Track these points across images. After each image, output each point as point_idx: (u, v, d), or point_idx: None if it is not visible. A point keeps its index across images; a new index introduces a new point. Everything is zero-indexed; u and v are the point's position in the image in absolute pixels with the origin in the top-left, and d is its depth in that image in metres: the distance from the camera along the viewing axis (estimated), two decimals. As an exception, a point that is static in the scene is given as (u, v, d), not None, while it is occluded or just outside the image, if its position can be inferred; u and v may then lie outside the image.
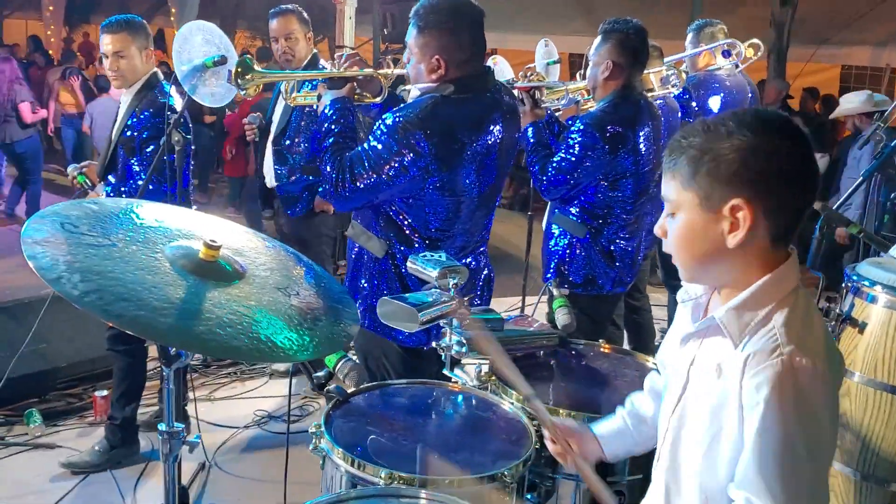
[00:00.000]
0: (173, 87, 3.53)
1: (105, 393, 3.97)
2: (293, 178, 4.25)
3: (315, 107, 2.86)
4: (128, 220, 1.79)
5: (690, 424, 1.48)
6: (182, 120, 3.12)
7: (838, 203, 2.64)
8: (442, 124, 2.44)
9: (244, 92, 2.72)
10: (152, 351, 4.03)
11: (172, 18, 11.58)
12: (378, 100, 2.80)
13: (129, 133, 3.47)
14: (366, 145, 2.48)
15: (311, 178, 4.22)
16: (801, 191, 1.38)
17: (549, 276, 3.37)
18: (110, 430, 3.67)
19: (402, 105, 2.59)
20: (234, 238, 1.90)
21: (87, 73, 11.10)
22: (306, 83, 3.79)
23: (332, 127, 2.59)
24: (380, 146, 2.43)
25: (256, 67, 2.70)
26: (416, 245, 2.52)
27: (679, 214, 1.43)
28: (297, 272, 1.87)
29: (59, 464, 3.60)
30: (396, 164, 2.41)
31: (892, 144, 2.61)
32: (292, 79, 3.45)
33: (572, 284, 3.33)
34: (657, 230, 1.48)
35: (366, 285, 2.61)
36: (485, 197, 2.62)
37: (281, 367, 4.73)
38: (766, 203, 1.35)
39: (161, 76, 3.60)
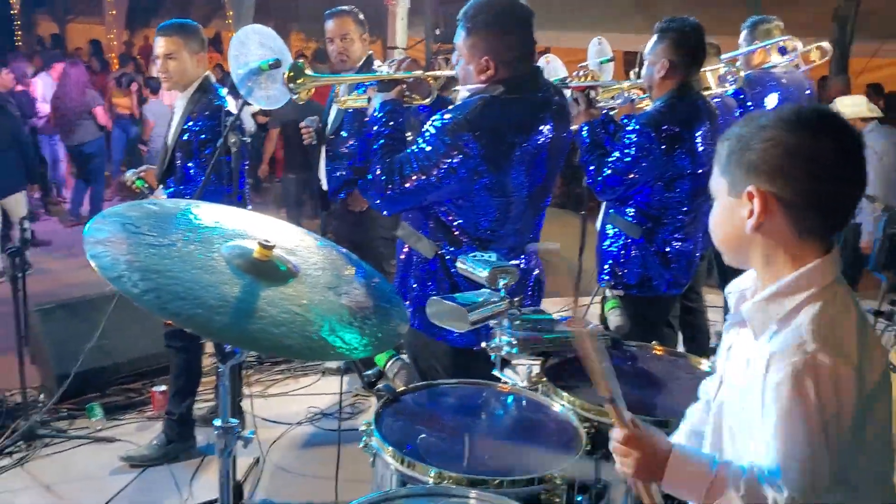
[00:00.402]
0: (226, 90, 3.60)
1: (163, 388, 4.07)
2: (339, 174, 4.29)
3: (366, 109, 2.89)
4: (186, 221, 1.84)
5: (726, 412, 1.53)
6: (238, 122, 3.18)
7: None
8: (490, 125, 2.44)
9: (296, 96, 2.77)
10: (209, 347, 4.13)
11: (229, 21, 11.79)
12: (427, 102, 2.82)
13: (185, 136, 3.54)
14: (414, 147, 2.49)
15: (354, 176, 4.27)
16: (836, 188, 1.39)
17: (603, 276, 3.35)
18: (168, 425, 3.76)
19: (450, 107, 2.61)
20: (288, 238, 1.94)
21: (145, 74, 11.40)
22: (358, 86, 3.83)
23: (382, 129, 2.61)
24: (428, 147, 2.45)
25: (308, 71, 2.74)
26: (465, 246, 2.52)
27: (717, 200, 1.52)
28: (347, 272, 1.90)
29: (119, 457, 3.71)
30: (445, 166, 2.42)
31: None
32: (343, 82, 3.48)
33: (626, 286, 3.29)
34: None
35: (415, 286, 2.62)
36: (534, 197, 2.61)
37: (333, 364, 4.79)
38: (787, 195, 1.39)
39: (213, 79, 3.67)
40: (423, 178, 2.44)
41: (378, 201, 2.55)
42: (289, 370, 4.74)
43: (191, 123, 3.53)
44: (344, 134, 4.24)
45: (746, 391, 1.43)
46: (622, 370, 2.36)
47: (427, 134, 2.47)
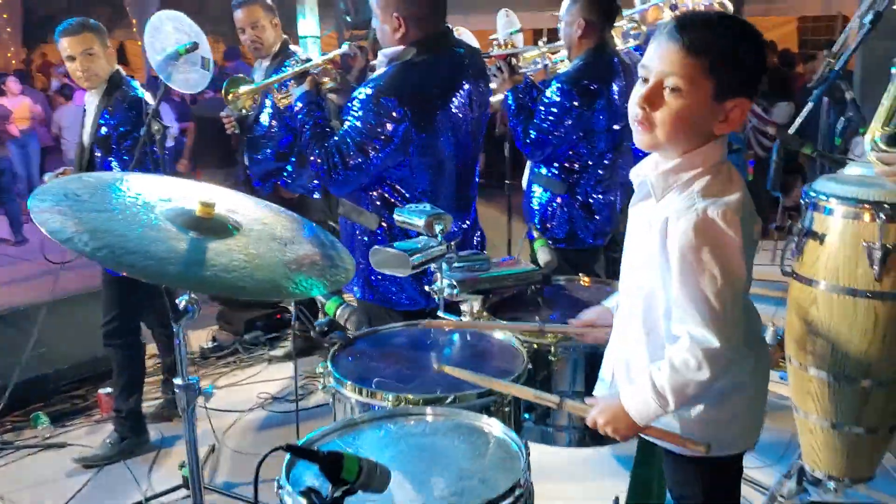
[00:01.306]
0: (138, 83, 3.63)
1: (109, 390, 4.05)
2: (262, 158, 4.35)
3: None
4: (122, 190, 1.89)
5: (633, 275, 1.74)
6: (158, 110, 3.22)
7: (793, 128, 2.79)
8: (413, 87, 2.56)
9: (243, 111, 2.94)
10: (151, 349, 4.15)
11: (134, 30, 11.59)
12: (336, 84, 2.94)
13: (103, 132, 3.55)
14: (346, 126, 2.60)
15: (275, 161, 4.34)
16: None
17: (532, 229, 3.50)
18: (118, 423, 3.77)
19: (369, 79, 2.72)
20: (226, 199, 2.01)
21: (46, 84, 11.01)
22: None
23: (306, 120, 2.72)
24: (359, 123, 2.55)
25: (242, 87, 2.92)
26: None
27: (685, 95, 1.56)
28: (290, 224, 1.99)
29: (72, 459, 3.69)
30: (379, 136, 2.53)
31: (837, 69, 2.76)
32: (275, 82, 3.56)
33: (555, 240, 3.46)
34: (641, 100, 1.60)
35: (362, 261, 2.69)
36: (465, 157, 2.75)
37: (279, 352, 4.86)
38: (751, 98, 1.59)
39: (124, 72, 3.68)
40: (362, 153, 2.55)
41: (330, 188, 2.68)
42: (235, 361, 4.78)
43: (108, 118, 3.53)
44: (264, 120, 4.29)
45: (649, 251, 1.64)
46: (555, 299, 2.53)
47: (353, 110, 2.58)
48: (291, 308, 2.28)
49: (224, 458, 3.72)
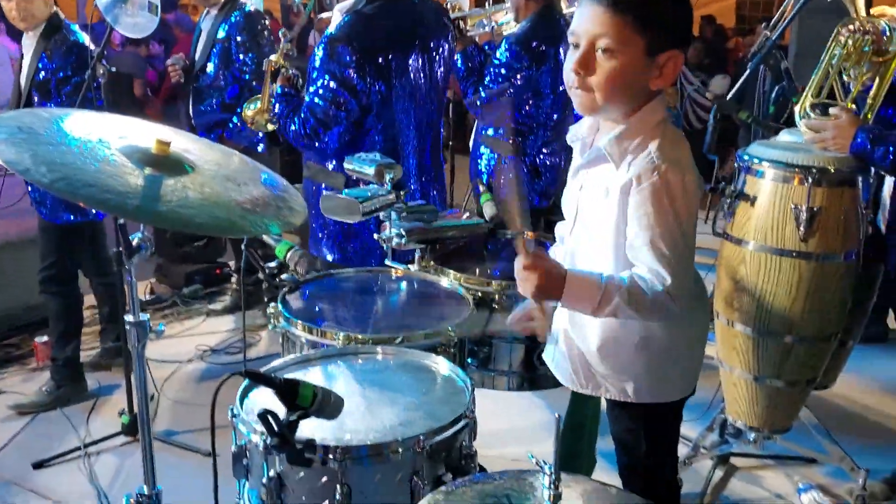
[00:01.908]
0: (78, 26, 3.56)
1: (45, 338, 4.00)
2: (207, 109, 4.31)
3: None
4: (76, 126, 1.89)
5: (584, 240, 1.79)
6: (105, 53, 3.17)
7: (730, 94, 2.91)
8: (367, 35, 2.61)
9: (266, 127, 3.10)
10: (90, 300, 4.10)
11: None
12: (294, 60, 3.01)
13: (42, 76, 3.48)
14: (311, 88, 2.65)
15: (221, 112, 4.31)
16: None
17: (478, 186, 3.57)
18: (55, 370, 3.73)
19: (324, 35, 2.76)
20: (179, 139, 2.02)
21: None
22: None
23: (283, 101, 2.81)
24: (323, 78, 2.60)
25: (249, 113, 3.16)
26: None
27: (617, 55, 1.58)
28: (242, 165, 2.01)
29: (7, 406, 3.65)
30: (345, 83, 2.59)
31: (774, 38, 2.88)
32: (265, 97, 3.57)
33: (501, 202, 3.53)
34: (575, 66, 1.62)
35: (330, 220, 2.74)
36: (429, 113, 2.82)
37: (218, 306, 4.86)
38: (684, 50, 1.64)
39: (63, 15, 3.60)
40: (335, 107, 2.61)
41: (316, 152, 2.74)
42: (173, 313, 4.76)
43: (46, 62, 3.46)
44: (210, 70, 4.24)
45: (606, 216, 1.69)
46: (500, 251, 2.61)
47: (315, 70, 2.64)
48: (243, 250, 2.30)
49: (163, 407, 3.73)
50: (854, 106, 2.66)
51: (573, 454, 2.34)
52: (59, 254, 3.65)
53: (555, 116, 3.55)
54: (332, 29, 2.77)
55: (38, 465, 3.22)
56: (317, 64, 2.63)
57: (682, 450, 3.24)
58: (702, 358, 1.96)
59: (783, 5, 3.14)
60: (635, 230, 1.63)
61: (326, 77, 2.59)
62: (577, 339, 1.84)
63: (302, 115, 2.68)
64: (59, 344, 3.74)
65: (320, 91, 2.62)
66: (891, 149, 2.44)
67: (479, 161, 3.67)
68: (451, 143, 5.19)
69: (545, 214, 3.97)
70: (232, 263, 5.06)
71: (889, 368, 4.08)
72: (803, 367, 2.76)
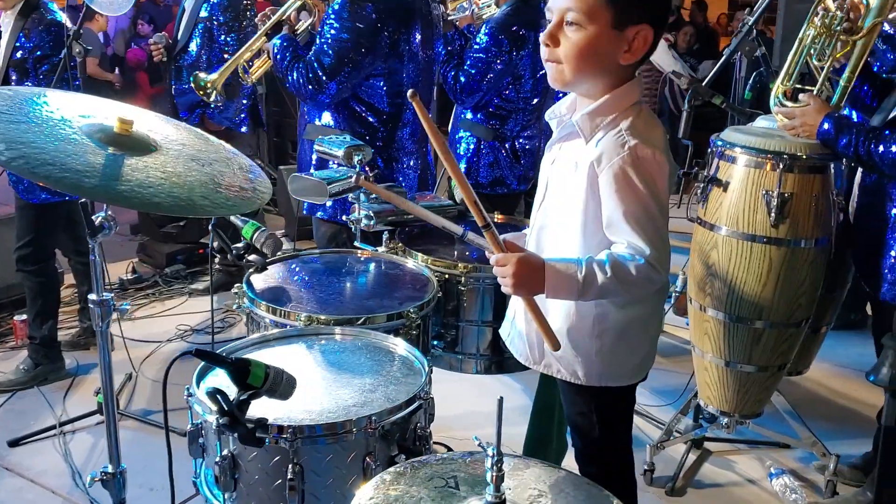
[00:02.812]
0: (56, 5, 3.53)
1: (23, 317, 4.00)
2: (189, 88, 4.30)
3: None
4: (41, 103, 1.88)
5: (551, 215, 1.78)
6: (81, 31, 3.15)
7: (706, 80, 2.91)
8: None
9: (220, 97, 3.28)
10: (68, 278, 4.10)
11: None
12: (313, 19, 3.05)
13: (19, 55, 3.46)
14: (322, 38, 2.71)
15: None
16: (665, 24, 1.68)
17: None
18: (33, 349, 3.74)
19: None
20: (145, 119, 2.02)
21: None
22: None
23: (286, 51, 2.85)
24: (335, 31, 2.67)
25: (203, 76, 3.29)
26: (381, 130, 2.82)
27: (584, 28, 1.59)
28: (208, 146, 2.01)
29: (-16, 385, 3.67)
30: (357, 41, 2.67)
31: (750, 24, 2.87)
32: (238, 62, 3.54)
33: (480, 186, 3.53)
34: (544, 38, 1.64)
35: None
36: (424, 89, 2.86)
37: (199, 286, 4.86)
38: (654, 23, 1.61)
39: None
40: (341, 62, 2.69)
41: (310, 102, 2.83)
42: (154, 293, 4.76)
43: (24, 40, 3.44)
44: (193, 49, 4.22)
45: (574, 190, 1.70)
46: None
47: (329, 21, 2.73)
48: (210, 234, 2.30)
49: (141, 386, 3.74)
50: (829, 85, 2.65)
51: (543, 437, 2.35)
52: (36, 233, 3.64)
53: (534, 101, 3.54)
54: None
55: (14, 444, 3.22)
56: (332, 16, 2.72)
57: (656, 434, 3.28)
58: (656, 341, 1.97)
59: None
60: (610, 207, 1.63)
61: (340, 30, 2.68)
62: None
63: (306, 61, 2.75)
64: (35, 322, 3.74)
65: (331, 42, 2.71)
66: (852, 139, 2.44)
67: (458, 145, 3.66)
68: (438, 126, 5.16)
69: (525, 197, 3.99)
70: (215, 244, 5.05)
71: (863, 354, 4.10)
72: (774, 353, 2.78)
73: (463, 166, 3.28)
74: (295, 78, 2.75)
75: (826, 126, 2.49)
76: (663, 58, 6.10)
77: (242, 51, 3.53)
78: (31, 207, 3.60)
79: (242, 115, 4.39)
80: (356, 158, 2.30)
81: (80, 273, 4.03)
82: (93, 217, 1.89)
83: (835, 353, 3.81)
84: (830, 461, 2.99)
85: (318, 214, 2.96)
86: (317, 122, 2.90)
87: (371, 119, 2.83)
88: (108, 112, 1.94)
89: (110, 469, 2.03)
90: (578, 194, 1.68)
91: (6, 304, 4.31)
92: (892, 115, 2.49)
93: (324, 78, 2.71)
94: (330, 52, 2.71)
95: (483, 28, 3.44)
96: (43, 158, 1.63)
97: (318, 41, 2.77)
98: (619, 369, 1.86)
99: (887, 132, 2.40)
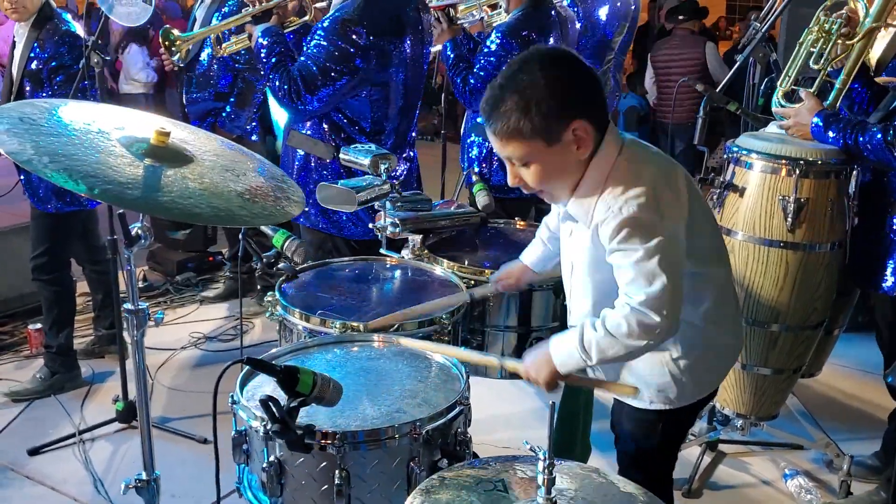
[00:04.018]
0: (70, 15, 3.56)
1: (38, 326, 4.01)
2: (200, 97, 4.33)
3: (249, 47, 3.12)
4: (77, 116, 1.91)
5: (577, 283, 1.86)
6: (100, 42, 3.18)
7: (720, 86, 2.94)
8: (379, 14, 2.66)
9: (177, 58, 3.11)
10: (83, 287, 4.12)
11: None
12: (307, 18, 3.00)
13: (34, 65, 3.48)
14: (309, 51, 2.67)
15: (214, 101, 4.32)
16: (595, 88, 1.70)
17: (471, 176, 3.60)
18: (49, 358, 3.75)
19: (333, 10, 2.79)
20: (177, 130, 2.05)
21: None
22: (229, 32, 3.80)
23: (273, 50, 2.77)
24: (324, 49, 2.64)
25: (175, 33, 3.07)
26: (361, 141, 2.77)
27: (530, 162, 1.67)
28: (240, 157, 2.04)
29: (2, 394, 3.67)
30: (345, 62, 2.62)
31: (763, 30, 2.92)
32: (215, 31, 3.52)
33: (494, 189, 3.56)
34: (514, 182, 1.72)
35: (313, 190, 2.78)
36: (414, 91, 2.86)
37: (211, 293, 4.88)
38: (586, 111, 1.65)
39: (54, 4, 3.60)
40: (325, 79, 2.64)
41: (290, 113, 2.76)
42: (166, 301, 4.78)
43: (39, 51, 3.46)
44: (203, 59, 4.25)
45: (590, 259, 1.77)
46: (491, 240, 2.65)
47: (318, 37, 2.67)
48: (240, 238, 2.33)
49: (158, 393, 3.76)
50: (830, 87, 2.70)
51: (568, 442, 2.38)
52: (51, 242, 3.66)
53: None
54: (338, 2, 2.78)
55: (34, 452, 3.24)
56: (321, 33, 2.67)
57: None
58: (730, 362, 2.01)
59: (773, -4, 3.17)
60: (616, 275, 1.67)
61: (329, 48, 2.63)
62: None
63: (289, 72, 2.69)
64: (52, 331, 3.75)
65: (317, 58, 2.66)
66: (840, 132, 2.51)
67: (470, 150, 3.69)
68: (443, 131, 5.19)
69: (535, 203, 4.02)
70: (225, 251, 5.08)
71: (874, 356, 4.14)
72: (790, 356, 2.82)
73: (476, 170, 3.30)
74: (277, 85, 2.71)
75: (816, 121, 2.55)
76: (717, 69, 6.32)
77: (223, 24, 3.50)
78: (46, 217, 3.62)
79: (253, 124, 4.42)
80: (382, 167, 2.33)
81: (94, 282, 4.05)
82: (129, 228, 1.91)
83: (845, 355, 3.84)
84: (844, 462, 3.02)
85: (301, 220, 2.93)
86: (301, 130, 2.88)
87: (352, 130, 2.80)
88: (139, 124, 1.97)
89: (144, 476, 2.05)
90: (593, 263, 1.76)
91: (20, 313, 4.33)
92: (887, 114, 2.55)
93: (305, 94, 2.67)
94: (314, 68, 2.66)
95: (493, 32, 3.47)
96: (85, 171, 1.66)
97: (305, 50, 2.72)
98: (683, 392, 1.88)
99: (873, 123, 2.49)
